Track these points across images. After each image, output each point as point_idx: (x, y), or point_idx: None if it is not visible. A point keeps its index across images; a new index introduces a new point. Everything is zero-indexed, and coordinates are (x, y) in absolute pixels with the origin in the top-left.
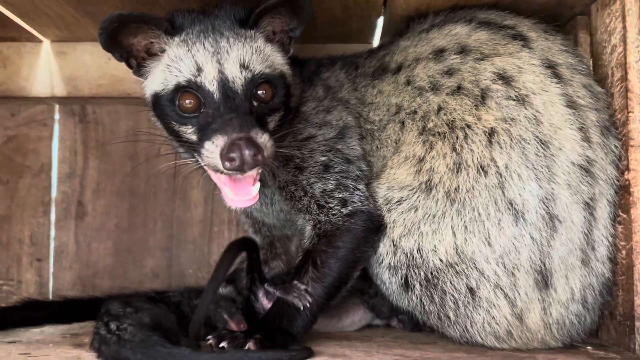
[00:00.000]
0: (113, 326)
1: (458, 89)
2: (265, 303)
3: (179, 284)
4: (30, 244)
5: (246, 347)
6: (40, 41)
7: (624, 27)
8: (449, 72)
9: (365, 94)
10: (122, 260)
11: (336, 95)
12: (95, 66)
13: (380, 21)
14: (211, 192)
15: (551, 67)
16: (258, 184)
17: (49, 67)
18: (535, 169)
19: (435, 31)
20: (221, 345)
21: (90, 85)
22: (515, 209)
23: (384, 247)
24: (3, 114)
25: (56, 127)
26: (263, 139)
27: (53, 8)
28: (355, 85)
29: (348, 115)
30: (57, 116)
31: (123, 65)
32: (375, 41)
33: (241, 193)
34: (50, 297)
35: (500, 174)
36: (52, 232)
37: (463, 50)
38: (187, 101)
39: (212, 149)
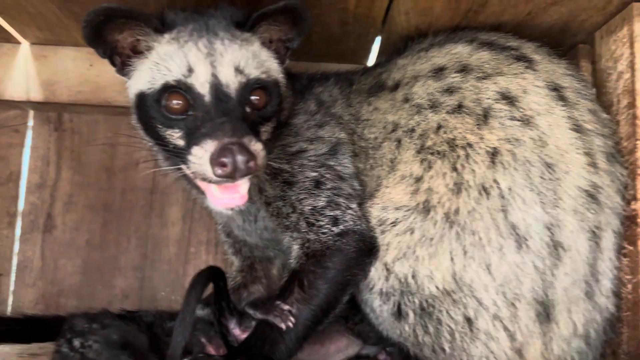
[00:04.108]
0: (77, 343)
1: (459, 108)
2: (238, 334)
3: (151, 307)
4: None
5: None
6: (18, 42)
7: (632, 54)
8: (449, 90)
9: (360, 111)
10: (90, 279)
11: (329, 110)
12: (76, 72)
13: (377, 41)
14: (190, 211)
15: (556, 90)
16: (248, 183)
17: (26, 70)
18: (540, 192)
19: (435, 50)
20: None
21: (69, 92)
22: (517, 234)
23: (375, 272)
24: None
25: (29, 134)
26: (256, 146)
27: (36, 5)
28: (349, 102)
29: (341, 132)
30: (30, 122)
31: (105, 72)
32: (370, 63)
33: (229, 192)
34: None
35: (503, 197)
36: (17, 246)
37: (464, 69)
38: (175, 102)
39: (201, 154)
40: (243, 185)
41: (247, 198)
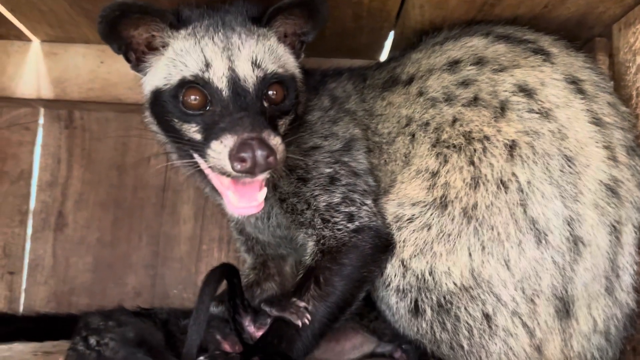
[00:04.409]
0: (92, 341)
1: (475, 100)
2: (253, 331)
3: (163, 305)
4: (3, 256)
5: None
6: (29, 40)
7: None
8: (465, 83)
9: (374, 106)
10: (101, 277)
11: (343, 106)
12: (86, 69)
13: (390, 36)
14: (202, 208)
15: (575, 83)
16: (265, 190)
17: (36, 68)
18: (560, 186)
19: (449, 43)
20: None
21: (80, 89)
22: (537, 229)
23: (392, 268)
24: None
25: (40, 132)
26: (275, 141)
27: (47, 2)
28: (363, 97)
29: (355, 127)
30: (41, 120)
31: (116, 69)
32: (383, 58)
33: (246, 199)
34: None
35: (522, 191)
36: (28, 244)
37: (480, 62)
38: (192, 97)
39: (220, 149)
40: (260, 193)
41: (263, 205)
